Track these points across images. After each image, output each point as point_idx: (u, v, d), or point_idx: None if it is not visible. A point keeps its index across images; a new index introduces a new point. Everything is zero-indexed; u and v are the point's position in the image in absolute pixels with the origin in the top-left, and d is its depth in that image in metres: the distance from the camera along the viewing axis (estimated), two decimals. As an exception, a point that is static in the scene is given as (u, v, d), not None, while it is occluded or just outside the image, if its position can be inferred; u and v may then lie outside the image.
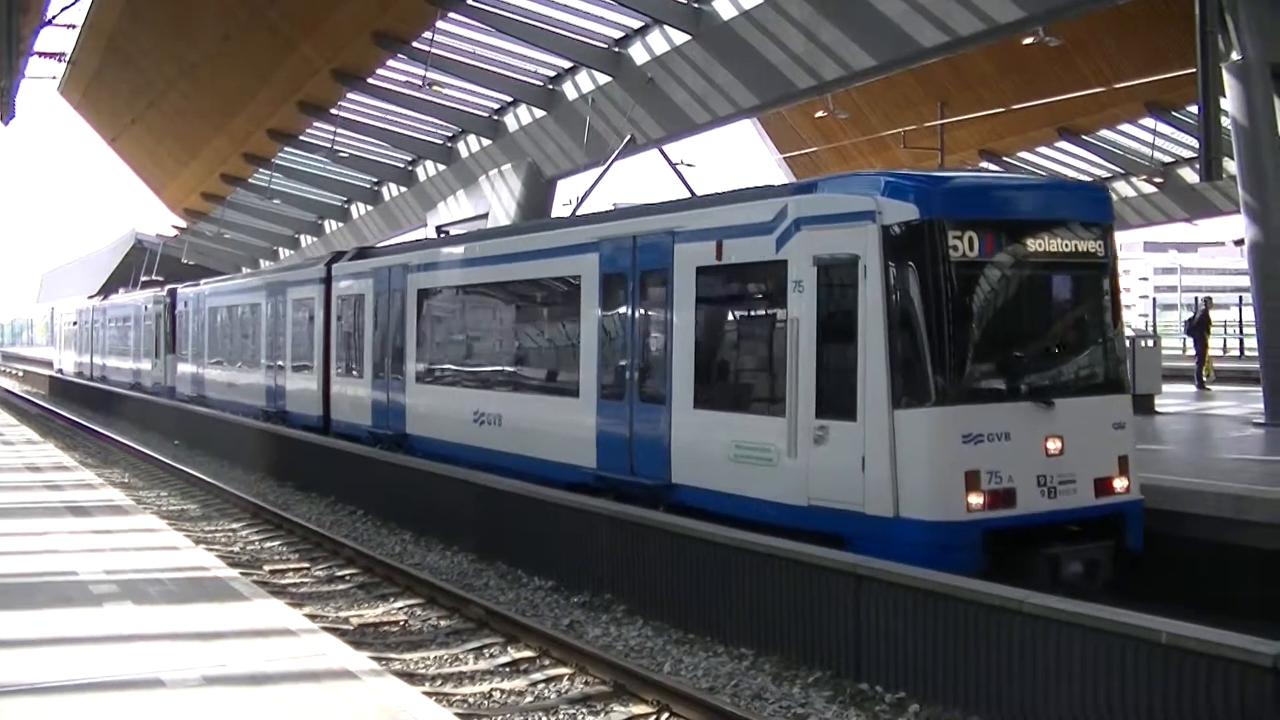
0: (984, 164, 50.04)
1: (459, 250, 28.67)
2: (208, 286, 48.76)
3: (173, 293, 53.14)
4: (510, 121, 48.42)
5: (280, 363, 37.85)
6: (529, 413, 24.26)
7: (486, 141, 50.55)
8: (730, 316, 20.09)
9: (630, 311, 21.13)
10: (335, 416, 33.28)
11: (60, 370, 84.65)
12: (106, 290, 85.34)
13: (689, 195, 25.57)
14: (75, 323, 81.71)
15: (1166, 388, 32.24)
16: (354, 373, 32.34)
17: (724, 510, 17.74)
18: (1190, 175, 52.13)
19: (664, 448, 19.70)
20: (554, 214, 46.66)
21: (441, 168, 56.39)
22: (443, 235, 38.84)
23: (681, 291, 19.65)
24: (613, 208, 28.92)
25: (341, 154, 58.50)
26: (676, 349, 19.75)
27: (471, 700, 13.56)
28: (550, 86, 44.25)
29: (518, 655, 15.31)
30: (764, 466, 17.45)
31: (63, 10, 41.78)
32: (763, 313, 19.05)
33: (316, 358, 34.71)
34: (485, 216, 48.83)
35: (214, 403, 44.42)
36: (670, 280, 19.90)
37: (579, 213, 28.52)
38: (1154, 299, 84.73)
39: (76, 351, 79.02)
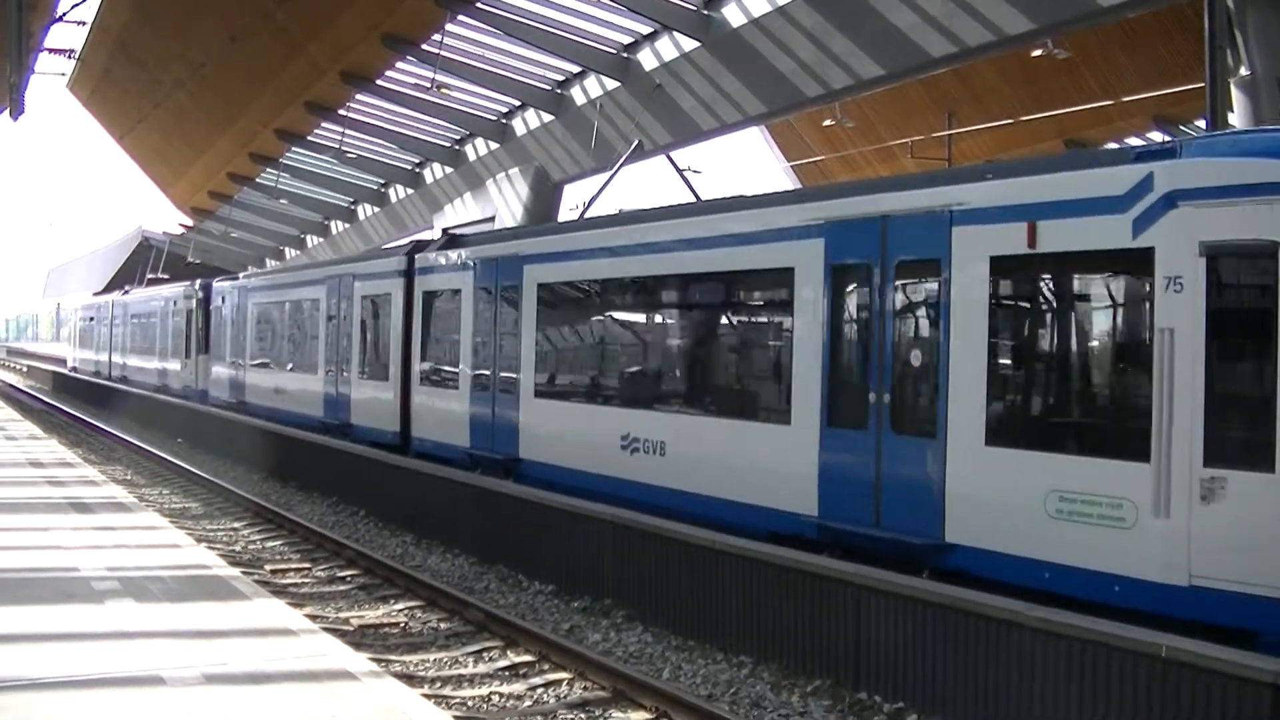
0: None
1: (599, 236, 23.17)
2: (252, 280, 45.36)
3: (207, 287, 49.78)
4: (518, 125, 48.41)
5: (344, 368, 33.64)
6: (709, 440, 19.53)
7: (494, 145, 50.53)
8: (1045, 323, 15.64)
9: (877, 314, 16.55)
10: (418, 434, 29.10)
11: (74, 369, 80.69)
12: (113, 286, 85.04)
13: (970, 166, 20.60)
14: (92, 318, 77.33)
15: None
16: (446, 382, 28.18)
17: (1033, 583, 13.91)
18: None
19: (935, 496, 15.33)
20: (560, 219, 46.53)
21: (449, 170, 56.39)
22: (582, 218, 29.83)
23: (964, 289, 15.27)
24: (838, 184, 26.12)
25: (349, 155, 58.48)
26: (956, 366, 15.33)
27: (470, 703, 13.59)
28: (558, 91, 44.24)
29: (517, 659, 15.35)
30: (1109, 528, 13.29)
31: (73, 7, 41.69)
32: (1104, 318, 14.95)
33: (393, 363, 30.34)
34: (492, 220, 48.82)
35: (256, 410, 40.23)
36: (946, 273, 15.49)
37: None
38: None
39: (93, 349, 75.31)
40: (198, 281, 51.95)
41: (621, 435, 21.17)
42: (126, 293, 68.81)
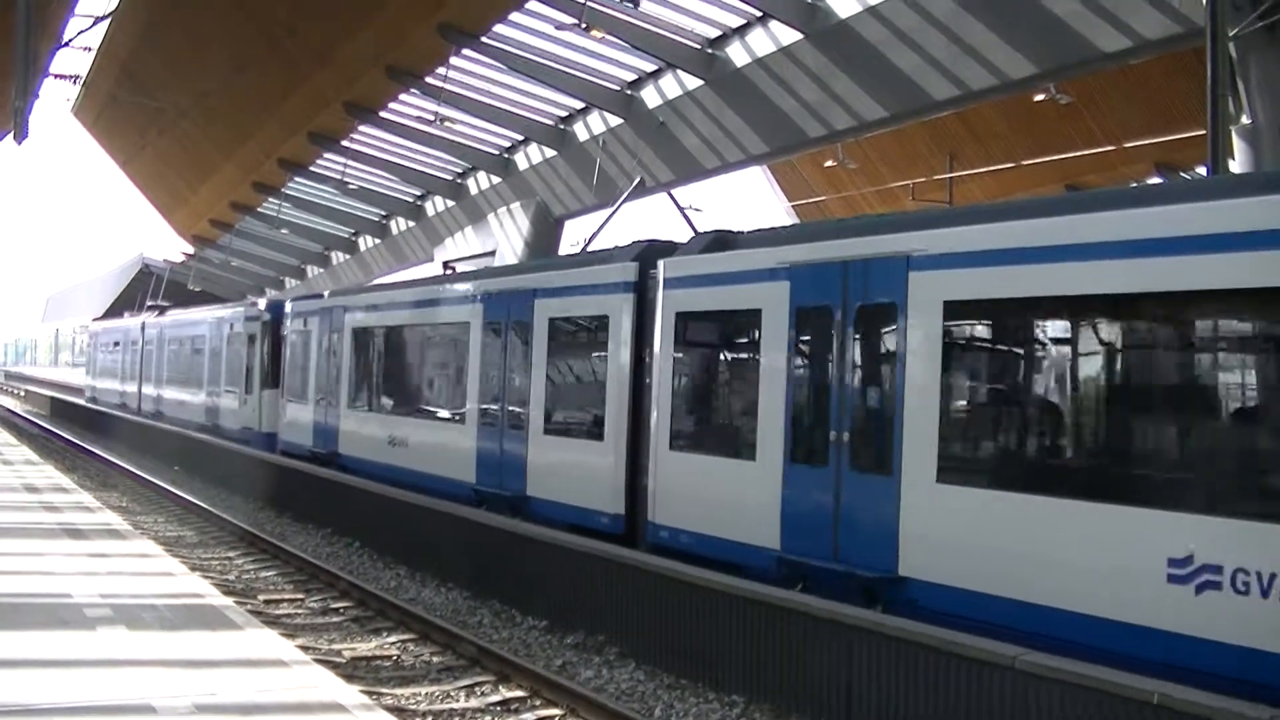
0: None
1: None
2: (350, 299, 35.27)
3: (276, 307, 41.65)
4: (520, 160, 48.56)
5: (517, 418, 24.67)
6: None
7: (496, 179, 50.68)
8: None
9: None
10: (661, 518, 19.93)
11: (93, 399, 71.36)
12: (113, 312, 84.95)
13: None
14: (116, 343, 67.10)
15: None
16: (722, 448, 19.18)
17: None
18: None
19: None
20: (561, 253, 46.46)
21: (450, 203, 56.53)
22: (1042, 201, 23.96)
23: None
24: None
25: (351, 186, 58.65)
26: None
27: (461, 737, 13.54)
28: (561, 126, 44.38)
29: (509, 694, 15.30)
30: None
31: (79, 34, 41.97)
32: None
33: (611, 414, 21.67)
34: (493, 254, 48.90)
35: (357, 466, 31.43)
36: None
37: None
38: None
39: (118, 379, 65.71)
40: (261, 300, 44.84)
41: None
42: (162, 313, 60.25)
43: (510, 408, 24.81)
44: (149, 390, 58.36)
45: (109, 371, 68.99)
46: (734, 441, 19.03)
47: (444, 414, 28.71)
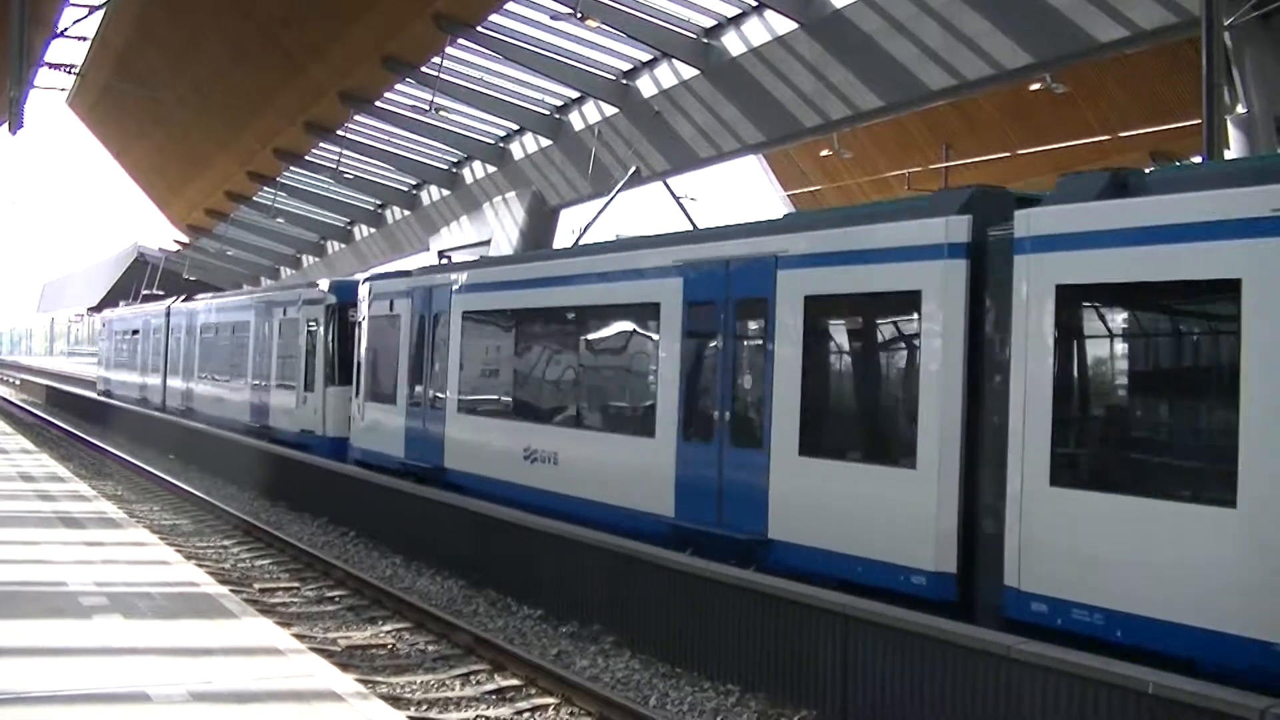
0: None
1: None
2: (463, 275, 27.45)
3: (344, 289, 35.72)
4: (516, 149, 48.50)
5: (749, 431, 18.36)
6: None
7: (491, 168, 50.64)
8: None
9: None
10: (1063, 591, 13.29)
11: (106, 393, 65.91)
12: (108, 302, 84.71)
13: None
14: (135, 331, 61.07)
15: None
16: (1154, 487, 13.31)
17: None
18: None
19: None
20: (554, 245, 46.38)
21: (445, 193, 56.46)
22: None
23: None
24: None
25: (346, 175, 58.61)
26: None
27: (456, 726, 13.55)
28: (557, 116, 44.34)
29: (504, 683, 15.31)
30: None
31: (74, 23, 41.90)
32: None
33: (930, 434, 15.34)
34: (488, 243, 48.87)
35: (485, 488, 24.39)
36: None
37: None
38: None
39: (138, 370, 59.73)
40: (323, 280, 39.15)
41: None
42: (189, 297, 54.97)
43: (736, 415, 18.71)
44: (176, 384, 52.05)
45: (126, 362, 63.17)
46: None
47: (618, 423, 22.03)
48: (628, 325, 22.02)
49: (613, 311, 22.32)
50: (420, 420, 27.93)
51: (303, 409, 36.29)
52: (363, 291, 32.38)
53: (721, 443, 18.65)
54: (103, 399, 62.09)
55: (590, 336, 23.06)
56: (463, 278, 27.11)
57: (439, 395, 27.22)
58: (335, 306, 35.30)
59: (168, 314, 54.51)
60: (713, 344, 19.13)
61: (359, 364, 31.96)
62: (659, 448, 19.88)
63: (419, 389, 28.12)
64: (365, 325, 31.72)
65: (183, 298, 54.73)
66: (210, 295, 55.25)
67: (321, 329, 35.54)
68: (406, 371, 28.86)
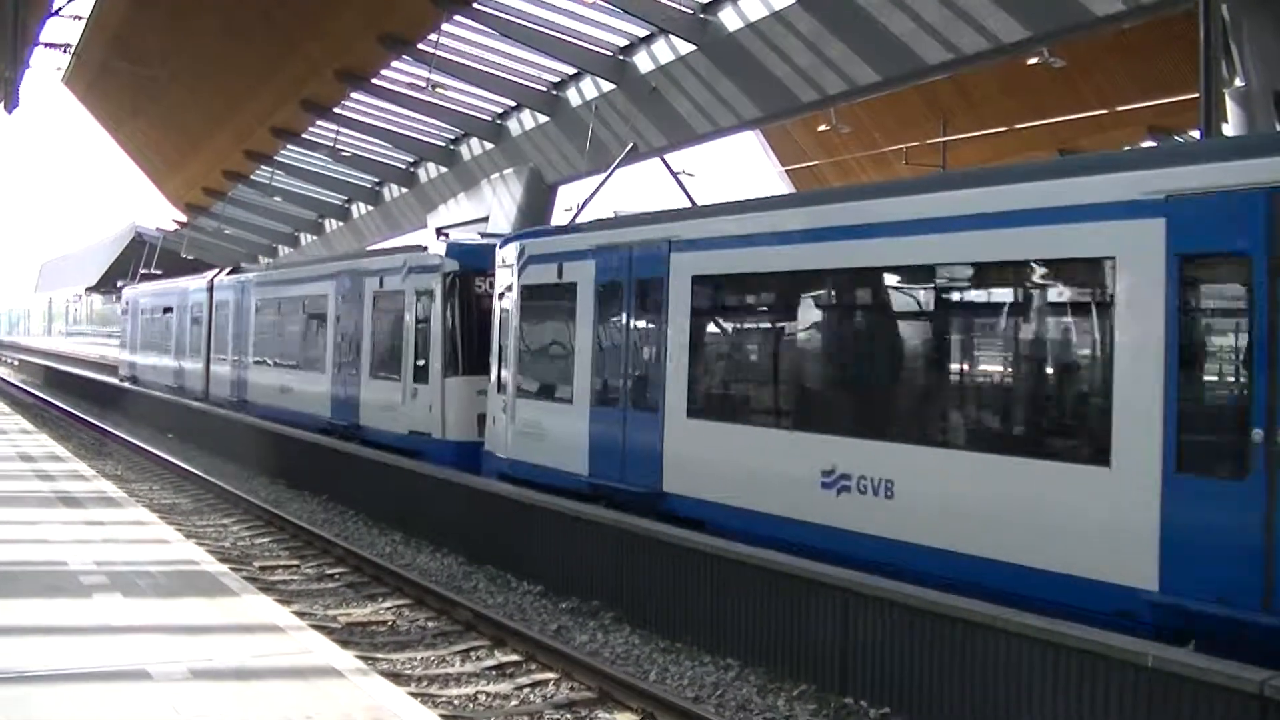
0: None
1: None
2: (671, 228, 20.53)
3: (469, 253, 28.50)
4: (513, 126, 48.39)
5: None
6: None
7: (489, 145, 50.53)
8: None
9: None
10: None
11: (131, 378, 59.15)
12: (106, 281, 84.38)
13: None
14: (168, 309, 53.24)
15: None
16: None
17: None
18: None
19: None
20: (553, 221, 46.34)
21: (443, 170, 56.37)
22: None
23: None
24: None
25: (343, 153, 58.47)
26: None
27: (457, 702, 13.59)
28: (554, 92, 44.23)
29: (504, 659, 15.35)
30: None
31: (69, 2, 41.78)
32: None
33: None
34: (485, 220, 48.81)
35: (750, 528, 17.28)
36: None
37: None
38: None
39: (172, 355, 51.71)
40: (439, 243, 29.71)
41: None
42: (235, 270, 47.48)
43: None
44: (223, 371, 44.05)
45: (156, 345, 55.09)
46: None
47: (1016, 435, 15.22)
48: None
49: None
50: (618, 426, 20.88)
51: (410, 405, 28.82)
52: (505, 255, 25.21)
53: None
54: (122, 384, 59.46)
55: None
56: (692, 229, 20.03)
57: (652, 392, 20.23)
58: (456, 275, 27.83)
59: (210, 289, 46.50)
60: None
61: (501, 348, 24.88)
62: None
63: (616, 383, 21.27)
64: (512, 298, 24.52)
65: (228, 270, 46.42)
66: (270, 264, 53.85)
67: (438, 304, 28.00)
68: (590, 359, 22.09)
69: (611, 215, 27.75)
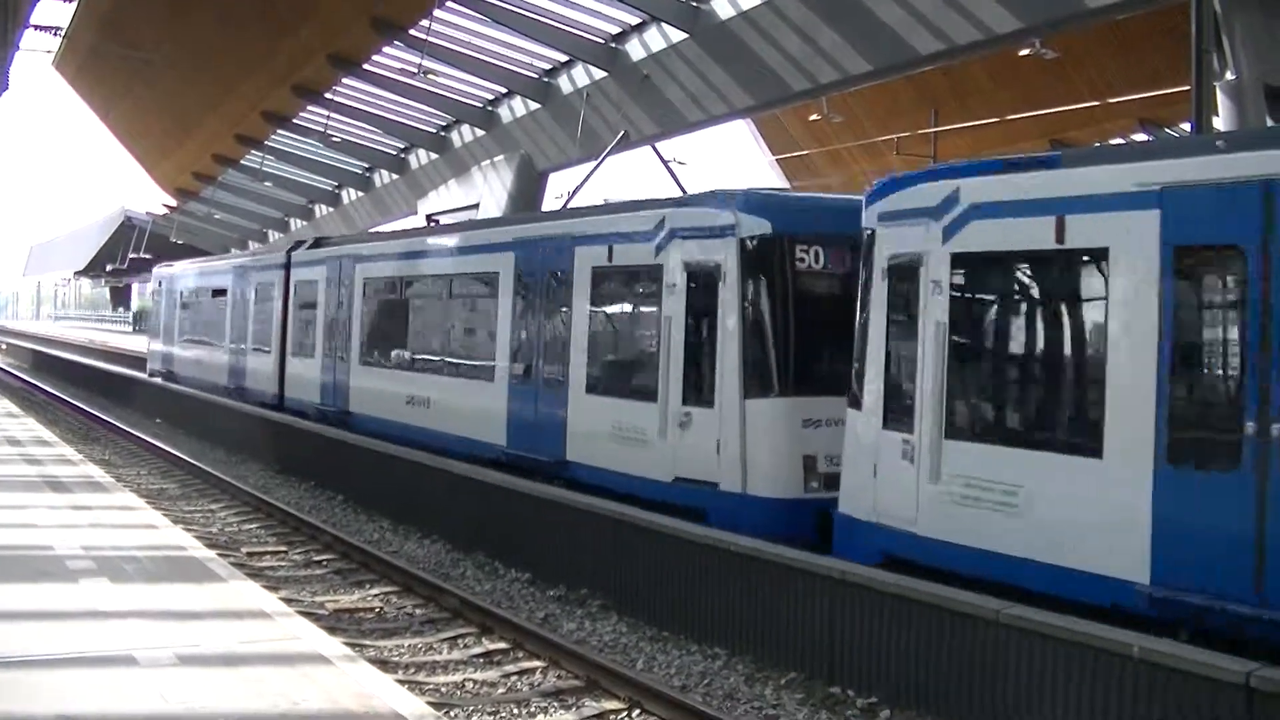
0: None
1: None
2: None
3: (779, 212, 19.16)
4: (504, 113, 48.38)
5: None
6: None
7: (480, 132, 50.50)
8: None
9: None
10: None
11: (166, 375, 48.68)
12: (95, 265, 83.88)
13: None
14: (219, 292, 43.01)
15: None
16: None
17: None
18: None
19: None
20: (544, 208, 46.26)
21: (434, 156, 56.35)
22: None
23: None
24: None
25: (334, 139, 58.43)
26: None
27: (444, 689, 13.57)
28: (545, 79, 44.21)
29: (492, 646, 15.34)
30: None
31: (60, -16, 41.66)
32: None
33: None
34: (476, 207, 48.79)
35: None
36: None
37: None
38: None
39: (229, 350, 40.99)
40: (716, 191, 20.26)
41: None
42: (318, 243, 36.87)
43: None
44: (308, 372, 34.06)
45: (202, 335, 45.02)
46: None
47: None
48: None
49: None
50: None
51: (678, 440, 19.28)
52: (901, 203, 15.92)
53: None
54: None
55: None
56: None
57: None
58: (762, 242, 18.48)
59: (287, 266, 36.58)
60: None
61: (894, 357, 15.90)
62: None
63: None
64: (926, 274, 15.19)
65: (308, 242, 37.25)
66: (371, 232, 41.91)
67: (732, 285, 18.67)
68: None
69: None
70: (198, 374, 44.26)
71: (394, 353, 29.75)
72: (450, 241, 28.94)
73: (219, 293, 43.17)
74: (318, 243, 36.62)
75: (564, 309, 22.35)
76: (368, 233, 42.10)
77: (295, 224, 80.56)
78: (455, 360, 26.81)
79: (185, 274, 49.27)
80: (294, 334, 35.62)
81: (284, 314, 36.31)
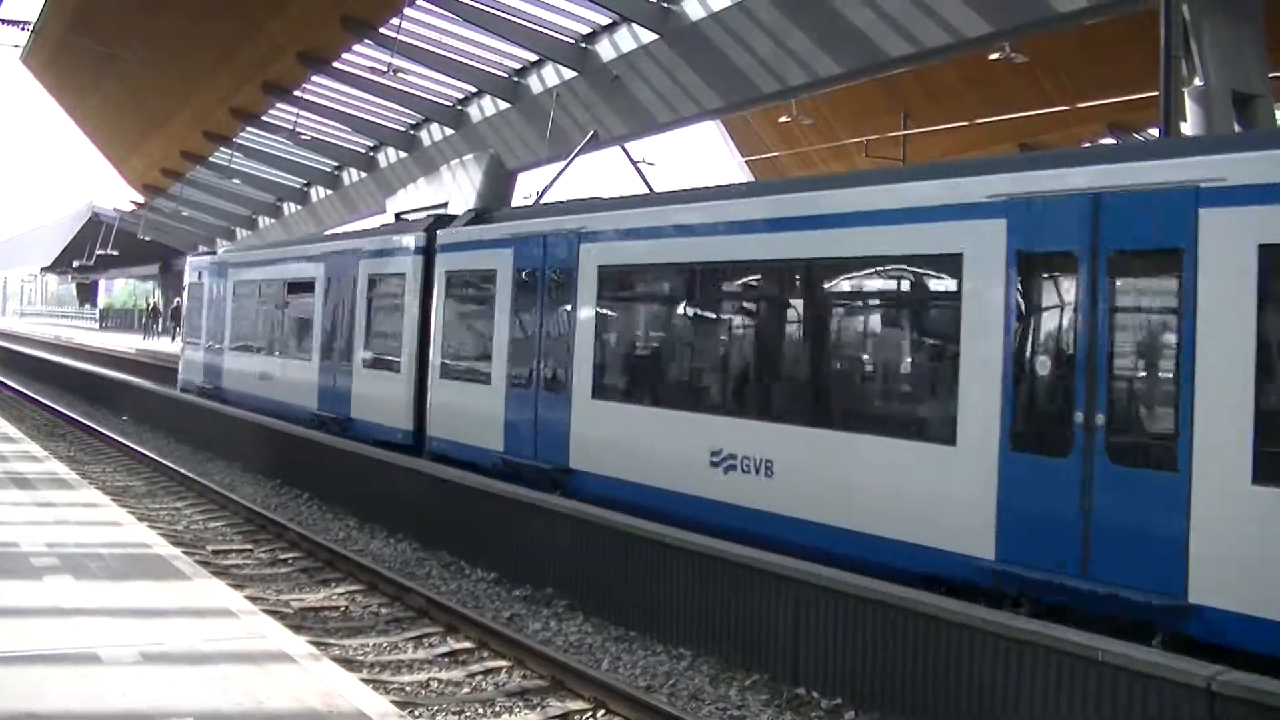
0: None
1: None
2: None
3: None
4: (474, 112, 48.36)
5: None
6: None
7: (449, 131, 50.48)
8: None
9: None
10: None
11: (211, 391, 38.68)
12: (61, 261, 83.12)
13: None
14: (305, 287, 32.78)
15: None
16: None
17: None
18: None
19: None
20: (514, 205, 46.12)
21: (403, 155, 56.30)
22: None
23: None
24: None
25: (303, 136, 58.31)
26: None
27: (409, 689, 13.56)
28: (515, 79, 44.20)
29: (457, 646, 15.33)
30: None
31: (29, -21, 41.59)
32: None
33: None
34: (445, 205, 48.65)
35: None
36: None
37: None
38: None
39: (318, 364, 31.24)
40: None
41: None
42: (482, 216, 26.74)
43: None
44: (471, 401, 24.43)
45: (276, 345, 35.12)
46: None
47: None
48: None
49: None
50: None
51: None
52: None
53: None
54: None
55: None
56: None
57: None
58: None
59: (427, 248, 26.85)
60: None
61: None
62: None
63: None
64: None
65: (463, 217, 27.17)
66: (615, 200, 23.72)
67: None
68: None
69: None
70: (263, 393, 34.41)
71: (676, 383, 19.95)
72: (759, 208, 18.28)
73: (300, 287, 33.12)
74: (479, 216, 26.52)
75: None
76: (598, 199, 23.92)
77: (263, 221, 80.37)
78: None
79: (244, 263, 39.18)
80: (444, 345, 25.85)
81: (423, 317, 26.48)
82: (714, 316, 19.45)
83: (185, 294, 43.28)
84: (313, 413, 30.15)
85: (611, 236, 20.85)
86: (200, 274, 41.72)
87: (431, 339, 26.00)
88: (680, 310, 19.92)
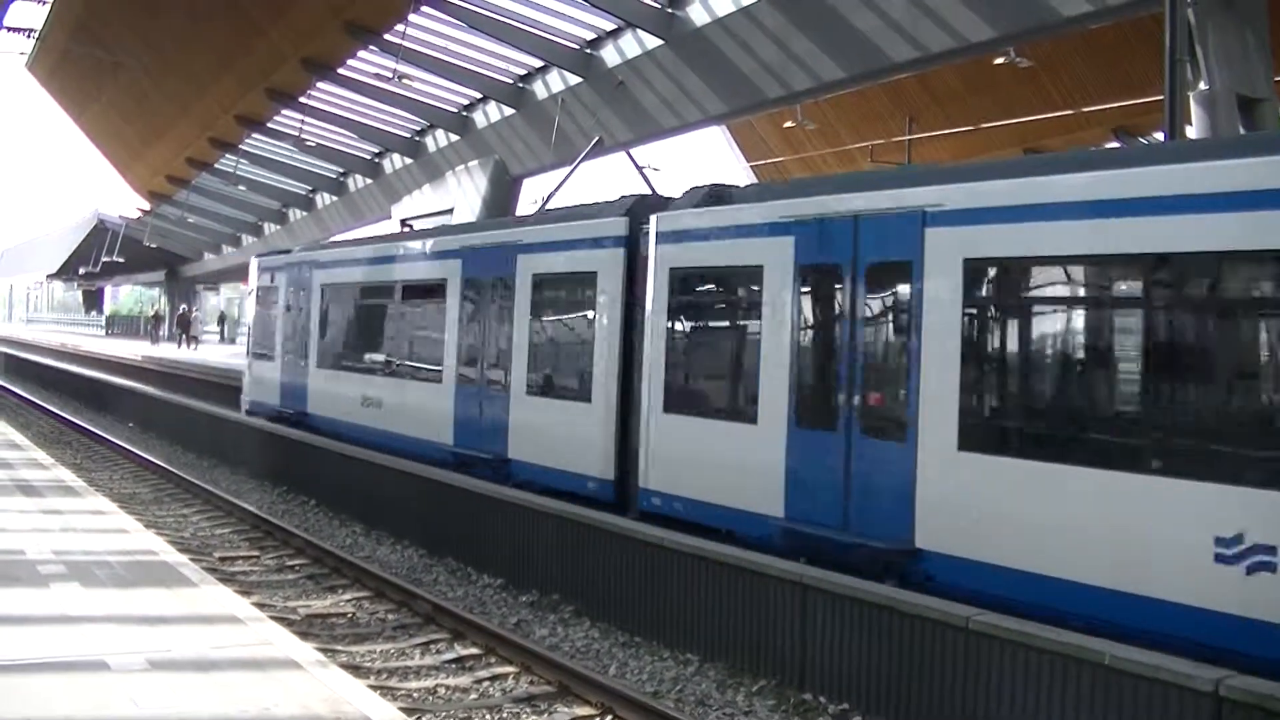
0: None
1: None
2: None
3: None
4: (479, 118, 48.34)
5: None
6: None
7: (454, 137, 50.48)
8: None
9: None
10: None
11: (289, 417, 31.92)
12: (67, 269, 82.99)
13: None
14: (424, 291, 26.72)
15: None
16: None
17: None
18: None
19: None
20: (518, 213, 46.17)
21: (408, 161, 56.29)
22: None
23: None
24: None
25: (308, 143, 58.34)
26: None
27: (416, 695, 13.57)
28: (520, 85, 44.20)
29: (464, 652, 15.33)
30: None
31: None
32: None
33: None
34: (450, 212, 48.72)
35: None
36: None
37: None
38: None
39: (466, 390, 24.12)
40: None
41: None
42: (720, 194, 19.12)
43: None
44: (724, 445, 17.64)
45: (388, 364, 28.08)
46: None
47: None
48: None
49: None
50: None
51: None
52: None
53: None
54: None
55: None
56: None
57: None
58: None
59: (630, 238, 20.40)
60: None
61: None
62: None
63: None
64: None
65: (693, 198, 19.74)
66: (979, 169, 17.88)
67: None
68: None
69: None
70: (369, 421, 27.91)
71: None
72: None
73: (423, 290, 27.02)
74: (717, 196, 19.22)
75: None
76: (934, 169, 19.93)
77: (269, 228, 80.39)
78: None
79: (336, 261, 31.98)
80: (671, 367, 19.08)
81: (626, 328, 20.15)
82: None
83: (252, 299, 37.08)
84: (451, 450, 24.15)
85: (979, 217, 14.14)
86: (272, 275, 34.63)
87: (648, 358, 19.23)
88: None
